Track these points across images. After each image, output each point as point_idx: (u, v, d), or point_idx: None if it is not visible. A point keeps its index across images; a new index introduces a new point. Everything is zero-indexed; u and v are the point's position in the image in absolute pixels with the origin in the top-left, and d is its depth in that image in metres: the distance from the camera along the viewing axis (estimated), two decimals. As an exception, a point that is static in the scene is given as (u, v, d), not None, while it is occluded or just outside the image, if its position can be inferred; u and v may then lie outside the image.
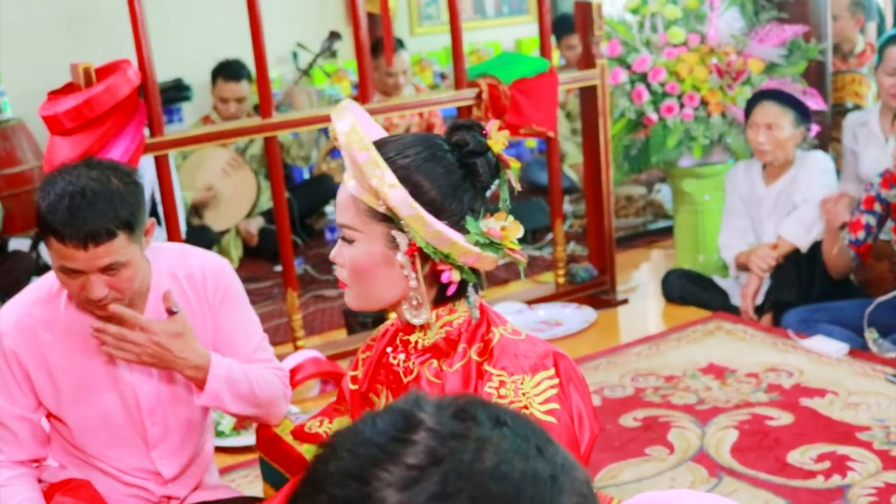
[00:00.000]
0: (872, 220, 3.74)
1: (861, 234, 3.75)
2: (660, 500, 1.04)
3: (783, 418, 3.19)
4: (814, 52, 4.35)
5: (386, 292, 1.69)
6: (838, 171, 4.28)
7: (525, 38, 7.19)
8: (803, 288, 3.87)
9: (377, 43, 4.88)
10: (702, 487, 2.82)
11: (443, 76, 6.70)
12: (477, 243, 1.63)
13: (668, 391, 3.46)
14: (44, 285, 2.23)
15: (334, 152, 6.27)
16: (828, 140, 4.54)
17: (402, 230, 1.62)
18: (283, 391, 2.31)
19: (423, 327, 1.71)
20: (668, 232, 5.18)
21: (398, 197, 1.58)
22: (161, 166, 3.51)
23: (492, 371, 1.64)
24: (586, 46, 4.27)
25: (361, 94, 3.84)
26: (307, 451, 2.16)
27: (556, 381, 1.63)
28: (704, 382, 3.51)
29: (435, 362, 1.70)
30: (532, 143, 6.79)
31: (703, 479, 2.87)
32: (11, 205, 5.22)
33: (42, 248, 5.15)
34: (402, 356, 1.75)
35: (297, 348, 3.74)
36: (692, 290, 4.30)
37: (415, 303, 1.68)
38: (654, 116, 4.37)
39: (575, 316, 4.22)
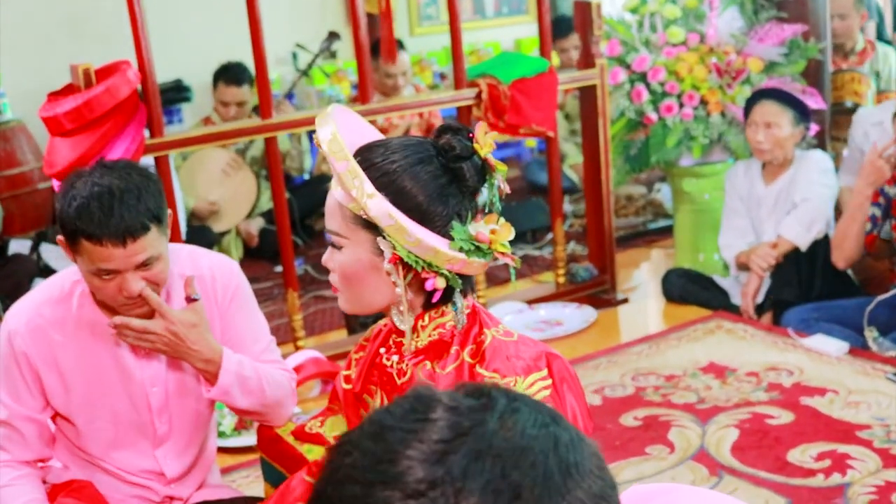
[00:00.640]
0: (878, 212, 3.74)
1: (868, 225, 3.75)
2: (652, 492, 1.05)
3: (783, 417, 3.20)
4: (813, 51, 4.35)
5: (375, 298, 1.71)
6: (837, 170, 4.28)
7: (524, 38, 7.19)
8: (803, 287, 3.88)
9: (377, 43, 4.88)
10: (702, 486, 2.83)
11: (442, 76, 6.71)
12: (461, 249, 1.62)
13: (668, 390, 3.47)
14: (54, 286, 2.24)
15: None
16: (827, 139, 4.54)
17: (385, 238, 1.63)
18: (290, 392, 2.32)
19: (415, 329, 1.72)
20: (668, 231, 5.18)
21: (377, 207, 1.59)
22: (161, 167, 3.51)
23: (484, 373, 1.64)
24: (586, 46, 4.28)
25: (361, 95, 3.84)
26: (308, 451, 2.17)
27: (549, 381, 1.63)
28: (705, 381, 3.51)
29: (428, 364, 1.70)
30: (532, 143, 6.79)
31: (703, 477, 2.88)
32: (11, 206, 5.23)
33: (43, 249, 5.16)
34: (395, 358, 1.76)
35: (297, 348, 3.75)
36: (692, 290, 4.30)
37: (402, 308, 1.69)
38: (653, 116, 4.38)
39: (575, 315, 4.23)
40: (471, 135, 1.66)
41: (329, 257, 1.72)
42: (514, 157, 6.85)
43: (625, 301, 4.45)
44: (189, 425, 2.32)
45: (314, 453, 2.09)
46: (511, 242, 1.67)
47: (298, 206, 5.48)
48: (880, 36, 5.77)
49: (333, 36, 5.97)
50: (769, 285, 4.04)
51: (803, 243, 3.94)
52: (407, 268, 1.64)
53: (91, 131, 3.20)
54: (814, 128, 4.07)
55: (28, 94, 5.25)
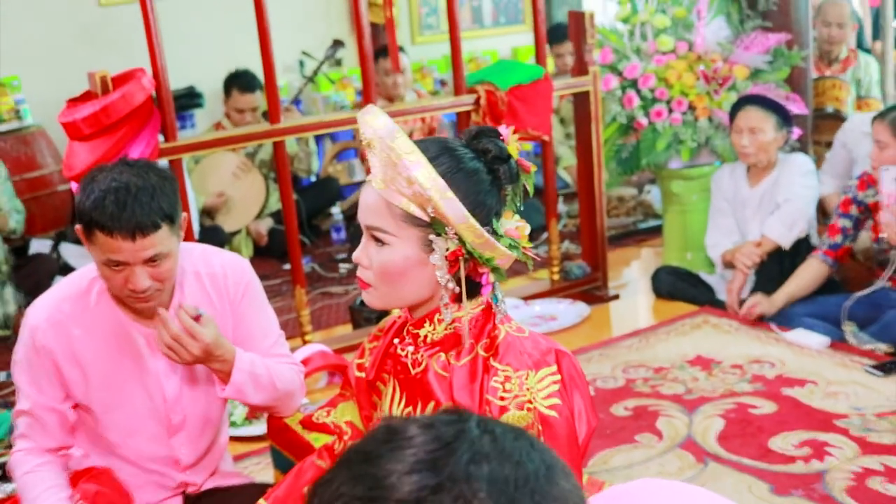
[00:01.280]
0: (849, 224, 3.75)
1: (838, 238, 3.77)
2: (626, 492, 1.07)
3: (766, 407, 3.22)
4: (796, 58, 4.36)
5: (413, 293, 1.68)
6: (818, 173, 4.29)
7: (521, 46, 7.19)
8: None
9: (379, 50, 4.90)
10: (689, 472, 2.85)
11: (443, 83, 6.71)
12: (508, 246, 1.64)
13: (657, 382, 3.48)
14: (73, 283, 2.26)
15: (339, 156, 6.29)
16: (808, 143, 4.55)
17: (438, 234, 1.63)
18: (299, 385, 2.34)
19: (431, 321, 1.72)
20: (657, 231, 5.19)
21: (452, 206, 1.57)
22: (174, 170, 3.52)
23: (498, 366, 1.64)
24: (579, 54, 4.29)
25: (365, 101, 3.86)
26: (315, 439, 2.18)
27: (559, 377, 1.64)
28: (692, 373, 3.53)
29: (443, 356, 1.70)
30: (528, 146, 6.79)
31: (690, 464, 2.90)
32: (32, 207, 5.25)
33: (63, 248, 5.18)
34: (410, 348, 1.75)
35: (305, 342, 3.76)
36: (680, 286, 4.31)
37: (444, 302, 1.68)
38: (644, 121, 4.39)
39: (569, 311, 4.24)
40: (501, 137, 1.67)
41: (364, 254, 1.67)
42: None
43: (616, 297, 4.46)
44: (202, 415, 2.33)
45: (321, 442, 2.10)
46: None
47: (305, 206, 5.50)
48: (860, 44, 5.79)
49: (338, 44, 5.98)
50: (753, 282, 4.05)
51: (786, 242, 3.96)
52: (454, 264, 1.64)
53: (108, 136, 3.21)
54: (796, 132, 4.08)
55: (48, 100, 5.27)
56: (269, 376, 2.22)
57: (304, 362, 3.18)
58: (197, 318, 2.09)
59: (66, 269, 4.93)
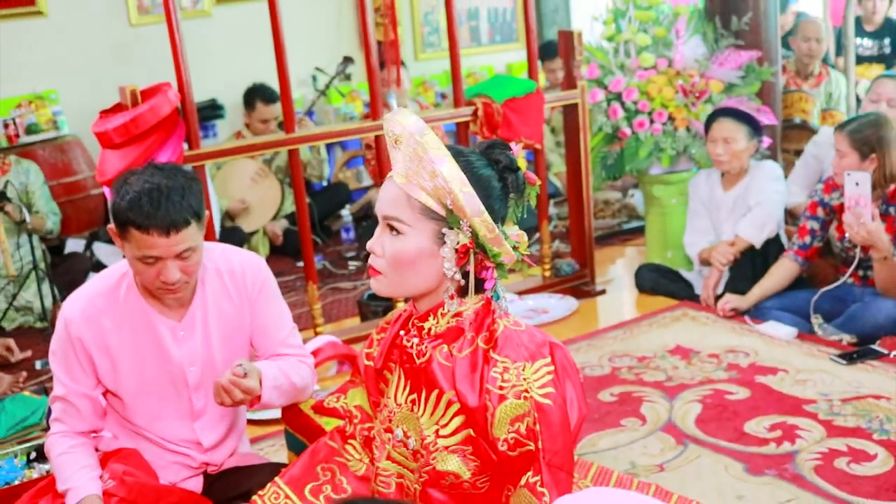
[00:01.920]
0: (816, 225, 3.74)
1: (807, 239, 3.75)
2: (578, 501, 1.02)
3: (741, 393, 3.20)
4: (766, 74, 4.34)
5: (421, 283, 1.66)
6: (787, 178, 4.27)
7: (515, 62, 7.18)
8: (757, 279, 3.87)
9: (380, 63, 4.88)
10: (670, 454, 2.82)
11: (443, 96, 6.69)
12: (512, 247, 1.65)
13: (640, 370, 3.46)
14: (104, 279, 2.25)
15: (349, 163, 6.27)
16: (778, 151, 4.53)
17: (452, 228, 1.61)
18: (311, 377, 2.34)
19: (435, 315, 1.70)
20: (640, 231, 5.18)
21: (472, 200, 1.56)
22: (198, 175, 3.50)
23: (497, 358, 1.63)
24: (568, 69, 4.27)
25: (372, 112, 3.84)
26: (326, 423, 2.17)
27: (552, 368, 1.63)
28: (672, 362, 3.51)
29: (446, 347, 1.69)
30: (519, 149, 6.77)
31: (671, 446, 2.87)
32: (68, 210, 5.23)
33: (96, 247, 5.16)
34: (415, 340, 1.74)
35: (316, 334, 3.74)
36: (661, 282, 4.29)
37: (450, 293, 1.67)
38: (627, 131, 4.37)
39: (559, 305, 4.22)
40: (511, 150, 1.67)
41: (378, 242, 1.66)
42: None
43: (602, 292, 4.44)
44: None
45: (331, 425, 2.09)
46: None
47: (318, 209, 5.48)
48: (825, 61, 5.77)
49: (348, 60, 5.96)
50: (728, 278, 4.03)
51: (757, 242, 3.94)
52: (462, 257, 1.62)
53: (137, 144, 3.19)
54: (766, 141, 4.06)
55: (83, 112, 5.26)
56: (289, 381, 2.22)
57: (316, 352, 3.17)
58: (243, 377, 2.08)
59: (99, 267, 4.92)
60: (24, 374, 3.70)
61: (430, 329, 1.71)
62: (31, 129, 5.47)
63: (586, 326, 4.02)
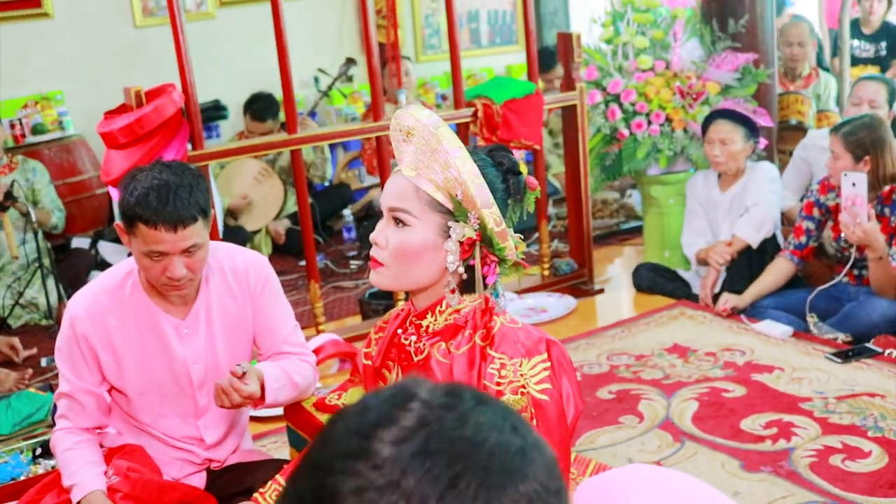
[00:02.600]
0: (812, 226, 3.74)
1: (803, 239, 3.75)
2: (613, 480, 1.03)
3: (737, 391, 3.20)
4: (762, 76, 4.34)
5: (423, 276, 1.65)
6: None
7: (514, 64, 7.18)
8: (754, 279, 3.87)
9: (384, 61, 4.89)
10: (667, 451, 2.82)
11: (444, 97, 6.69)
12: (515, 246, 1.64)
13: (638, 368, 3.46)
14: (109, 277, 2.24)
15: (351, 164, 6.27)
16: (774, 152, 4.53)
17: (458, 221, 1.61)
18: (313, 376, 2.34)
19: (433, 312, 1.70)
20: (638, 231, 5.17)
21: (483, 192, 1.56)
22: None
23: (494, 354, 1.63)
24: (567, 71, 4.27)
25: (374, 113, 3.84)
26: (327, 420, 2.17)
27: (549, 364, 1.62)
28: (669, 360, 3.51)
29: (444, 344, 1.69)
30: (521, 154, 6.78)
31: (668, 443, 2.87)
32: (73, 209, 5.24)
33: (101, 246, 5.16)
34: (413, 338, 1.74)
35: (318, 332, 3.74)
36: (659, 281, 4.29)
37: (451, 287, 1.67)
38: (625, 132, 4.37)
39: (558, 303, 4.22)
40: (514, 155, 1.68)
41: (382, 234, 1.64)
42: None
43: (601, 291, 4.44)
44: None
45: (328, 419, 2.09)
46: None
47: (319, 209, 5.48)
48: (820, 63, 5.77)
49: (350, 62, 5.96)
50: (725, 278, 4.03)
51: (754, 242, 3.93)
52: (467, 251, 1.63)
53: (141, 145, 3.19)
54: (763, 142, 4.06)
55: (88, 112, 5.26)
56: (291, 382, 2.22)
57: (318, 350, 3.17)
58: (242, 376, 2.08)
59: (104, 265, 4.92)
60: (30, 371, 3.71)
61: (427, 326, 1.71)
62: (36, 130, 5.48)
63: (585, 325, 4.02)
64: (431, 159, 1.58)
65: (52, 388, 3.34)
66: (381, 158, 3.87)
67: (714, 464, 2.72)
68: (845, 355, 3.36)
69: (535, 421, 1.60)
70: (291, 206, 5.49)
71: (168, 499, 2.22)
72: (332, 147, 6.13)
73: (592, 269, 4.48)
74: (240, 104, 5.79)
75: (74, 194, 5.36)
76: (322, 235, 5.54)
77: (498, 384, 1.62)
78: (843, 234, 3.50)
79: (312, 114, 5.98)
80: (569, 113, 4.32)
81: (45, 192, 4.80)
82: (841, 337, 3.52)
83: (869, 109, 3.98)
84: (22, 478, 2.78)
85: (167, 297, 2.19)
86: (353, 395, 2.00)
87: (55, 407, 2.32)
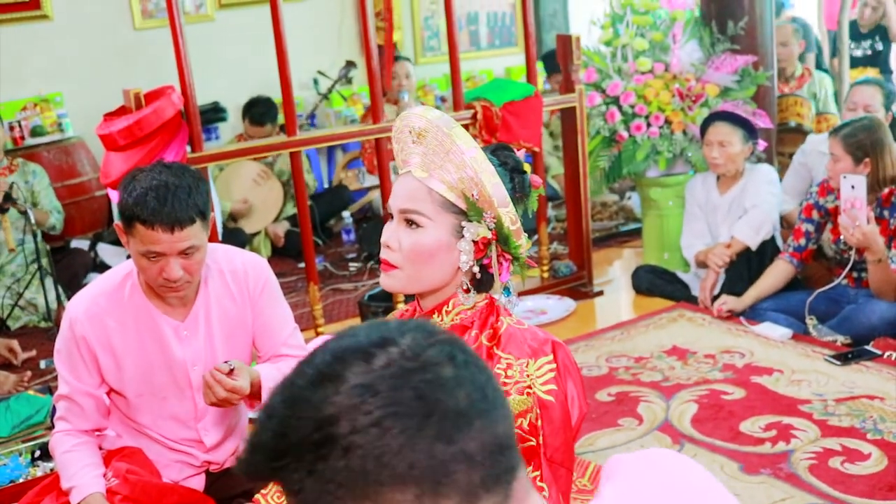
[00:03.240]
0: (811, 228, 3.74)
1: (802, 241, 3.75)
2: (633, 461, 1.03)
3: (736, 393, 3.19)
4: (762, 78, 4.34)
5: (436, 277, 1.64)
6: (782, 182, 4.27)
7: (514, 66, 7.18)
8: (753, 281, 3.87)
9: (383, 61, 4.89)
10: (666, 453, 2.82)
11: (443, 99, 6.69)
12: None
13: (637, 370, 3.46)
14: (108, 279, 2.24)
15: (349, 165, 6.27)
16: (773, 154, 4.53)
17: (471, 221, 1.60)
18: None
19: (440, 312, 1.70)
20: (637, 233, 5.17)
21: (500, 191, 1.56)
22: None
23: (500, 354, 1.63)
24: (566, 73, 4.27)
25: (374, 116, 3.84)
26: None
27: (554, 365, 1.63)
28: (669, 363, 3.51)
29: None
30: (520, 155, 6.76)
31: (667, 446, 2.87)
32: (72, 211, 5.23)
33: (100, 248, 5.16)
34: None
35: (318, 334, 3.74)
36: (658, 283, 4.29)
37: (465, 287, 1.66)
38: (625, 134, 4.37)
39: (557, 305, 4.22)
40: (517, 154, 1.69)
41: (394, 237, 1.63)
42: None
43: (600, 293, 4.44)
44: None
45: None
46: None
47: (319, 211, 5.48)
48: (819, 65, 5.77)
49: (350, 64, 5.96)
50: (724, 280, 4.03)
51: (753, 244, 3.93)
52: (481, 250, 1.62)
53: (141, 147, 3.19)
54: (762, 144, 4.06)
55: (87, 114, 5.26)
56: None
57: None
58: (230, 373, 2.08)
59: (102, 267, 4.91)
60: (29, 373, 3.70)
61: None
62: (36, 132, 5.47)
63: (584, 327, 4.01)
64: (445, 160, 1.58)
65: (51, 391, 3.34)
66: (380, 160, 3.87)
67: (713, 466, 2.71)
68: (845, 357, 3.35)
69: (540, 422, 1.60)
70: (290, 208, 5.49)
71: (167, 501, 2.22)
72: (330, 149, 6.13)
73: (592, 271, 4.48)
74: (239, 106, 5.79)
75: (74, 196, 5.36)
76: (321, 237, 5.54)
77: (504, 384, 1.62)
78: (842, 237, 3.50)
79: (312, 116, 5.98)
80: (568, 115, 4.32)
81: (44, 195, 4.80)
82: (840, 339, 3.51)
83: (864, 114, 3.99)
84: (21, 480, 2.78)
85: (165, 298, 2.19)
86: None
87: (54, 409, 2.32)
